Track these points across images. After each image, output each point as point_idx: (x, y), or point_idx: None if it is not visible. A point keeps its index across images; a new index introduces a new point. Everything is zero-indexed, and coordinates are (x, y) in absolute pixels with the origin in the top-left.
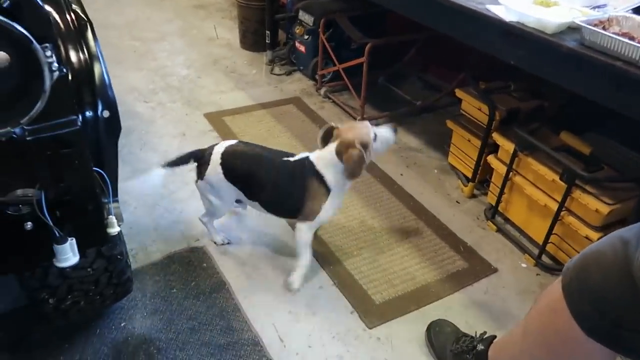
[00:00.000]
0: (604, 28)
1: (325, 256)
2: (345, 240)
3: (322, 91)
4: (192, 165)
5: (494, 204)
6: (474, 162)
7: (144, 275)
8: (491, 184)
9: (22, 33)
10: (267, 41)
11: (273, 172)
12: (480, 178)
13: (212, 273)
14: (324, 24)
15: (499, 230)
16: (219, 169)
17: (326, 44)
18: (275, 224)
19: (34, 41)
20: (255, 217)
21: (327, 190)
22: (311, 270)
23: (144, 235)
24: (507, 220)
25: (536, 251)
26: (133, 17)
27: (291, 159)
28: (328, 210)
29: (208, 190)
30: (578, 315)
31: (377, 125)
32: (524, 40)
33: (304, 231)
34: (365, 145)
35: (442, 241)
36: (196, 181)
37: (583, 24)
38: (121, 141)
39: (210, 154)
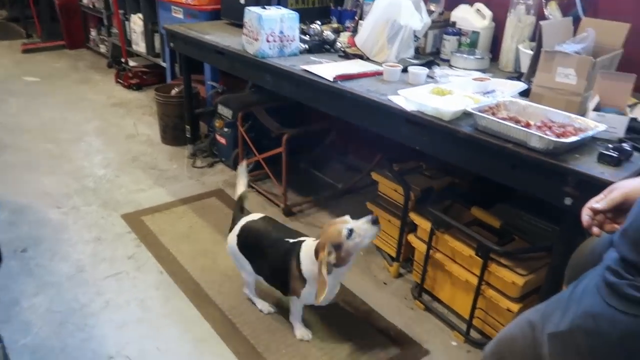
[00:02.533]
0: (493, 114)
1: (250, 356)
2: (273, 337)
3: None
4: (107, 274)
5: (419, 282)
6: (397, 242)
7: None
8: (415, 262)
9: None
10: (187, 135)
11: (272, 249)
12: (405, 257)
13: None
14: (242, 117)
15: (427, 308)
16: (235, 240)
17: (245, 135)
18: (197, 332)
19: None
20: (177, 323)
21: (303, 278)
22: None
23: None
24: (434, 297)
25: (464, 327)
26: (48, 118)
27: (291, 240)
28: (307, 296)
29: (233, 256)
30: None
31: (356, 218)
32: (425, 128)
33: (294, 304)
34: (337, 246)
35: (372, 327)
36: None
37: (474, 111)
38: (28, 254)
39: (237, 224)
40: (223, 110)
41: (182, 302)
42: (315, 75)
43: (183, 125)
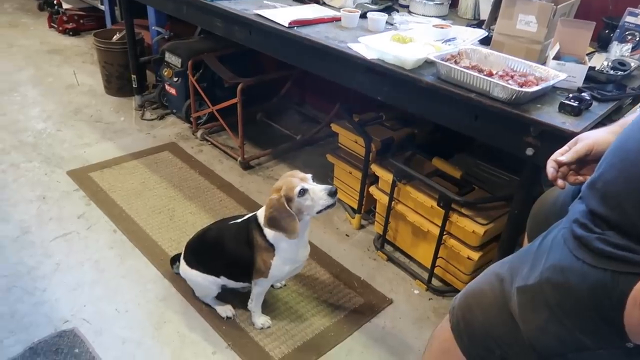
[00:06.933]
0: (455, 62)
1: (215, 316)
2: (237, 292)
3: (199, 134)
4: (55, 234)
5: (381, 233)
6: (358, 194)
7: None
8: (376, 214)
9: None
10: (134, 85)
11: (223, 239)
12: (366, 208)
13: (87, 359)
14: (192, 65)
15: (390, 259)
16: (184, 263)
17: (197, 85)
18: (157, 290)
19: None
20: (135, 283)
21: (270, 245)
22: (202, 333)
23: None
24: (396, 248)
25: (426, 276)
26: None
27: (239, 220)
28: (279, 266)
29: (188, 278)
30: (469, 354)
31: (315, 181)
32: (386, 77)
33: (259, 286)
34: (288, 199)
35: (336, 279)
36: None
37: (436, 60)
38: None
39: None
40: (171, 58)
41: (139, 262)
42: (270, 20)
43: (128, 75)
